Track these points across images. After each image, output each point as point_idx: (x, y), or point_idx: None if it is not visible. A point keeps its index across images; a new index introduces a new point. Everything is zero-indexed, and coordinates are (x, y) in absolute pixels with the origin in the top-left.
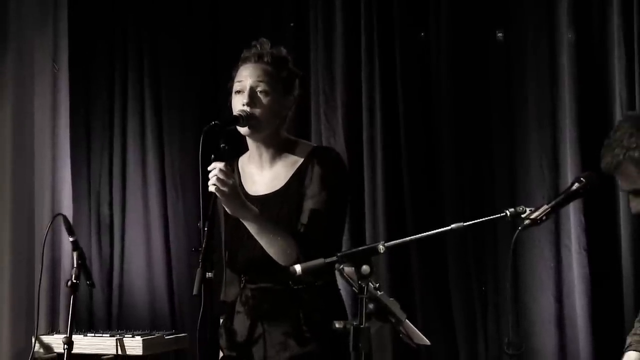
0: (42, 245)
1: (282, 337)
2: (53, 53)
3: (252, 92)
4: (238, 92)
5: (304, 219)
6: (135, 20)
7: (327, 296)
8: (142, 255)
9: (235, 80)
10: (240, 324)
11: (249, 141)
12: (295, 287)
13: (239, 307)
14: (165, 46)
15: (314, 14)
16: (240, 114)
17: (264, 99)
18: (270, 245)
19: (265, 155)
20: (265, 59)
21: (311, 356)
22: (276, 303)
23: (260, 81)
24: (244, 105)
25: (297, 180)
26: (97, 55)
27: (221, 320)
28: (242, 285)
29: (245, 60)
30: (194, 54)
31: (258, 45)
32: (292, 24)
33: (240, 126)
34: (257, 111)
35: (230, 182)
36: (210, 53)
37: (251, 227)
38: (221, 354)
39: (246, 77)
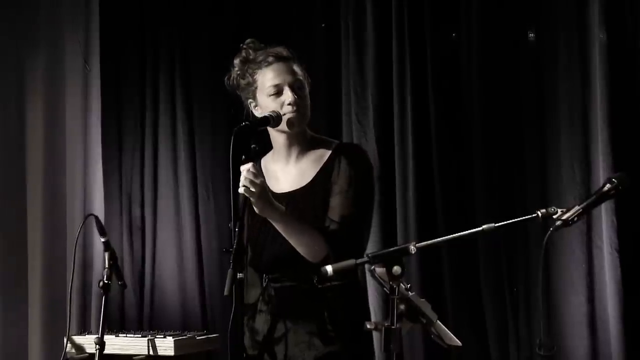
0: (74, 245)
1: (307, 336)
2: (85, 53)
3: (294, 90)
4: (274, 94)
5: (333, 215)
6: (167, 21)
7: (350, 295)
8: (174, 256)
9: (268, 85)
10: (263, 323)
11: (280, 139)
12: (320, 286)
13: (261, 306)
14: (196, 47)
15: (345, 14)
16: (271, 115)
17: (302, 94)
18: (299, 243)
19: (294, 152)
20: (285, 54)
21: (336, 355)
22: (300, 302)
23: (297, 78)
24: (290, 104)
25: (323, 176)
26: (129, 55)
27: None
28: (264, 284)
29: (264, 62)
30: (224, 55)
31: (252, 45)
32: (323, 25)
33: (271, 127)
34: (302, 105)
35: (259, 181)
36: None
37: (279, 226)
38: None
39: (279, 77)
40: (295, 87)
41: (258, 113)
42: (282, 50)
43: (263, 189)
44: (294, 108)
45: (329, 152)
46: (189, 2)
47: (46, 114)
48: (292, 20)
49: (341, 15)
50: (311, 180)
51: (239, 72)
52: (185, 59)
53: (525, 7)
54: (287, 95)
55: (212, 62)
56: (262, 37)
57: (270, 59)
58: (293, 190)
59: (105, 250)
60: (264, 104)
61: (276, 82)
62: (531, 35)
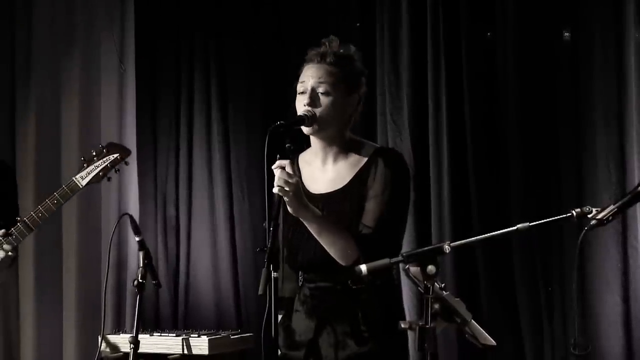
0: (109, 245)
1: (341, 336)
2: (120, 53)
3: (313, 93)
4: (301, 92)
5: (366, 219)
6: (202, 20)
7: (384, 295)
8: (208, 255)
9: (299, 80)
10: (299, 322)
11: (313, 140)
12: (354, 286)
13: (297, 306)
14: (231, 46)
15: (380, 13)
16: (305, 114)
17: (325, 100)
18: (331, 245)
19: (329, 154)
20: (328, 59)
21: (369, 355)
22: (335, 302)
23: (322, 82)
24: (305, 105)
25: (359, 180)
26: (164, 55)
27: (279, 318)
28: (300, 283)
29: (309, 60)
30: (259, 54)
31: (327, 43)
32: (358, 24)
33: (306, 126)
34: (318, 111)
35: (293, 181)
36: (275, 53)
37: (311, 227)
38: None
39: (308, 78)
40: (316, 91)
41: None
42: (333, 50)
43: (297, 189)
44: (307, 109)
45: (366, 157)
46: (224, 2)
47: (81, 113)
48: (327, 20)
49: (376, 15)
50: (347, 184)
51: None
52: (221, 58)
53: (561, 6)
54: (305, 97)
55: (247, 62)
56: (296, 37)
57: (315, 57)
58: (329, 192)
59: (140, 249)
60: (296, 101)
61: (302, 79)
62: (566, 34)
